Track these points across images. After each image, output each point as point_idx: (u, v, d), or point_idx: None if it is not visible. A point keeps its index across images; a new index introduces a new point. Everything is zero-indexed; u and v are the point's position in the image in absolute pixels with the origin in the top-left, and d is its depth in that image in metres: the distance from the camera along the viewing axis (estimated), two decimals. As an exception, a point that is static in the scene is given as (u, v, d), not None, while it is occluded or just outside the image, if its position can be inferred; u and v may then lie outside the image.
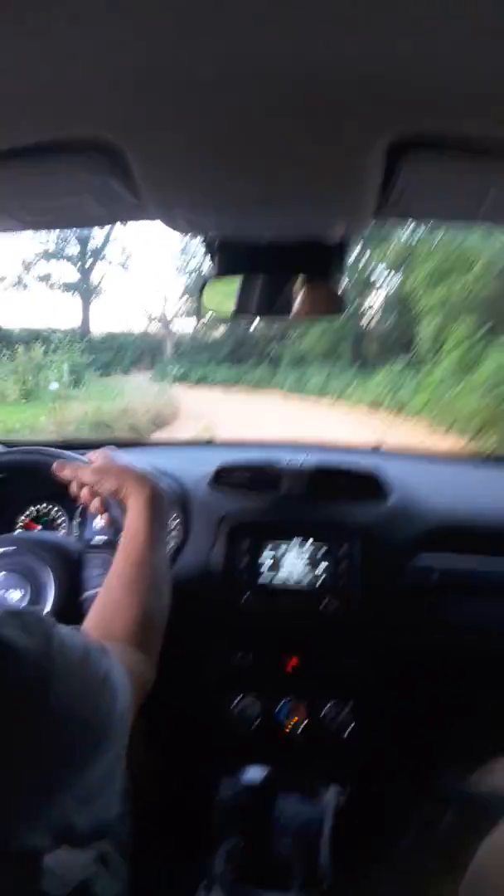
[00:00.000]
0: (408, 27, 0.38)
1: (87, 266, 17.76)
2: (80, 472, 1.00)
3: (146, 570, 0.86)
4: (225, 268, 0.88)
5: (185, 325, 17.36)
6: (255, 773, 0.96)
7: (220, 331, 16.36)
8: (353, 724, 1.19)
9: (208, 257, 0.89)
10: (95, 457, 1.02)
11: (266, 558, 1.22)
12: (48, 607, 1.05)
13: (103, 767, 0.57)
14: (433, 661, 1.21)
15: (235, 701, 1.21)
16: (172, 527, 1.29)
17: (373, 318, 14.36)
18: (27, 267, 16.88)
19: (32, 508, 1.39)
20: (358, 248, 12.71)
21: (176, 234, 0.82)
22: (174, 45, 0.41)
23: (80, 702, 0.55)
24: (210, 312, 0.97)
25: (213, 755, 1.24)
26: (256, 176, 0.61)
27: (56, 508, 1.38)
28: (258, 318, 0.98)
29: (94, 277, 17.97)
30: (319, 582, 1.20)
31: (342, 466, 1.32)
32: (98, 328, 17.41)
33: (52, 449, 1.10)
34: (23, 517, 1.38)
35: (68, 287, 17.56)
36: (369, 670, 1.20)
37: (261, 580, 1.21)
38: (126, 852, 0.87)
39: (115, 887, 0.80)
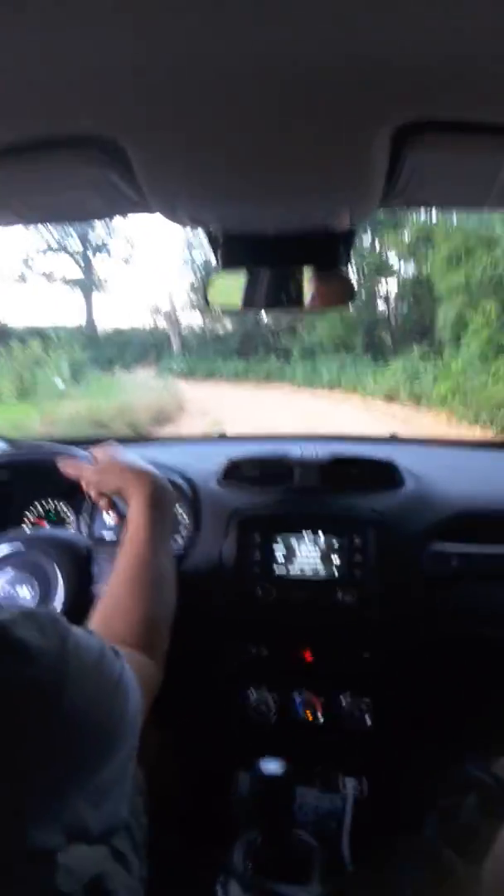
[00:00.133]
0: (410, 10, 0.39)
1: (90, 261, 17.79)
2: (83, 470, 1.03)
3: (149, 570, 0.87)
4: (230, 261, 0.89)
5: (192, 320, 17.34)
6: (272, 766, 0.98)
7: (228, 324, 16.34)
8: (370, 715, 1.22)
9: (212, 251, 0.90)
10: (98, 453, 1.05)
11: (279, 551, 1.25)
12: (58, 604, 1.08)
13: (114, 769, 0.58)
14: (452, 649, 1.23)
15: (251, 694, 1.24)
16: (183, 522, 1.32)
17: (387, 305, 14.22)
18: (28, 262, 16.94)
19: (39, 505, 1.43)
20: (370, 233, 12.61)
21: (181, 227, 0.84)
22: (174, 38, 0.41)
23: (93, 704, 0.57)
24: (217, 306, 0.99)
25: (230, 749, 1.27)
26: (259, 167, 0.63)
27: (64, 505, 1.42)
28: (266, 311, 1.00)
29: (98, 272, 17.98)
30: (334, 573, 1.23)
31: (357, 455, 1.34)
32: (103, 324, 17.41)
33: (57, 445, 1.13)
34: (30, 514, 1.42)
35: (71, 282, 17.58)
36: (386, 661, 1.22)
37: (274, 573, 1.24)
38: (141, 847, 0.89)
39: (130, 882, 0.82)
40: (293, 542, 1.25)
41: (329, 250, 0.88)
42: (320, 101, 0.49)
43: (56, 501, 1.42)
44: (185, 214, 0.76)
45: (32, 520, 1.43)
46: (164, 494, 0.97)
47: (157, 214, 0.76)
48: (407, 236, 12.02)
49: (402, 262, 13.34)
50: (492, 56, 0.43)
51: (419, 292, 12.61)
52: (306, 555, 1.24)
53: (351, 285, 0.97)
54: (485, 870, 0.72)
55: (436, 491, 1.30)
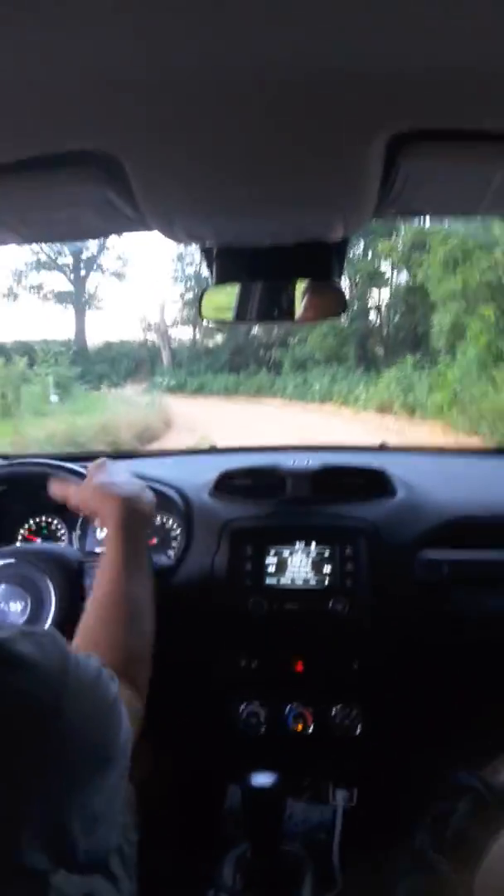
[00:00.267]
0: (406, 20, 0.40)
1: (80, 276, 17.87)
2: (69, 489, 1.06)
3: (122, 603, 0.89)
4: (224, 276, 0.92)
5: (183, 334, 17.44)
6: (262, 779, 1.00)
7: (218, 338, 16.42)
8: (360, 725, 1.24)
9: (206, 265, 0.93)
10: (90, 470, 1.07)
11: (270, 562, 1.28)
12: (49, 618, 1.10)
13: (105, 794, 0.60)
14: (444, 657, 1.26)
15: (242, 706, 1.26)
16: (175, 534, 1.35)
17: (379, 314, 14.27)
18: (18, 277, 17.02)
19: (32, 521, 1.45)
20: (362, 241, 12.64)
21: (172, 243, 0.86)
22: (171, 51, 0.42)
23: (89, 721, 0.59)
24: (209, 320, 1.02)
25: (220, 761, 1.29)
26: (256, 181, 0.65)
27: (56, 520, 1.45)
28: (258, 324, 1.03)
29: (89, 287, 18.13)
30: (326, 583, 1.26)
31: (348, 465, 1.38)
32: (94, 339, 17.47)
33: (51, 461, 1.16)
34: (23, 529, 1.45)
35: (62, 297, 17.68)
36: (379, 669, 1.25)
37: (266, 583, 1.27)
38: (131, 865, 0.90)
39: None
40: (285, 552, 1.28)
41: (323, 262, 0.90)
42: (316, 110, 0.50)
43: (49, 517, 1.45)
44: (181, 230, 0.78)
45: (24, 535, 1.45)
46: (133, 520, 0.97)
47: (153, 232, 0.78)
48: (401, 242, 11.97)
49: (394, 269, 13.37)
50: (487, 65, 0.45)
51: (412, 300, 12.60)
52: (298, 565, 1.27)
53: (343, 296, 1.01)
54: (477, 877, 0.72)
55: (427, 499, 1.34)
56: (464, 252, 9.74)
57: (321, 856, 1.11)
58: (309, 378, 13.29)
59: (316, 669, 1.27)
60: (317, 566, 1.27)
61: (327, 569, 1.26)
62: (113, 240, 16.99)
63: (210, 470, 1.41)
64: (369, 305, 14.02)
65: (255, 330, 14.02)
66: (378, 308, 14.18)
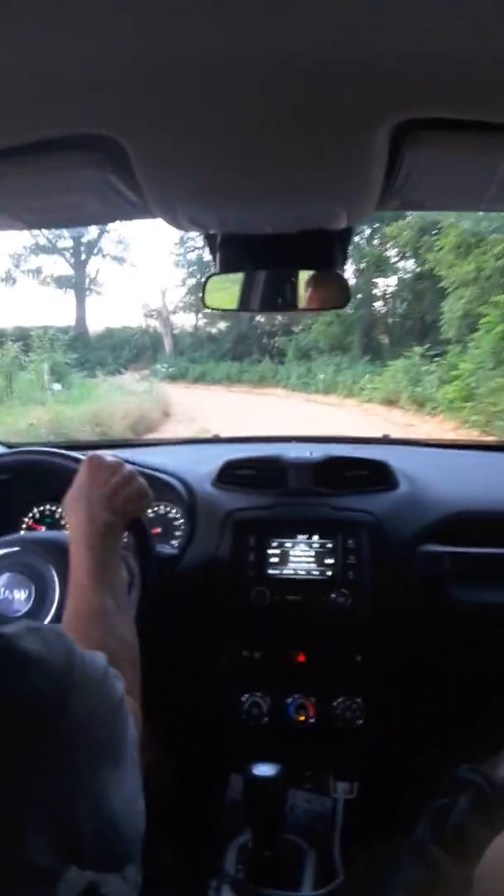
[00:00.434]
0: (409, 9, 0.41)
1: (81, 259, 17.78)
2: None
3: (96, 619, 0.88)
4: (228, 264, 0.95)
5: (185, 320, 17.40)
6: (264, 769, 1.03)
7: (221, 325, 16.38)
8: (362, 717, 1.27)
9: (209, 253, 0.96)
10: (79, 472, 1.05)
11: (273, 553, 1.31)
12: (53, 606, 1.12)
13: (119, 792, 0.60)
14: (445, 650, 1.30)
15: (244, 696, 1.29)
16: (178, 524, 1.38)
17: (386, 303, 14.17)
18: (17, 261, 16.97)
19: (36, 509, 1.48)
20: (368, 227, 12.53)
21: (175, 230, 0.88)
22: (173, 37, 0.43)
23: (96, 717, 0.59)
24: (213, 309, 1.04)
25: (222, 751, 1.33)
26: (260, 168, 0.66)
27: (60, 508, 1.47)
28: (261, 313, 1.05)
29: (90, 271, 18.05)
30: (328, 575, 1.29)
31: (350, 457, 1.40)
32: (95, 325, 17.44)
33: (54, 450, 1.18)
34: (27, 518, 1.48)
35: (62, 282, 17.61)
36: (379, 662, 1.28)
37: (268, 574, 1.30)
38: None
39: (124, 888, 0.84)
40: (287, 544, 1.31)
41: (326, 250, 0.93)
42: (321, 98, 0.52)
43: (53, 505, 1.47)
44: (184, 217, 0.79)
45: (28, 524, 1.48)
46: (100, 523, 0.94)
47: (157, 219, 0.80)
48: (409, 226, 11.72)
49: (403, 255, 13.20)
50: (490, 55, 0.46)
51: (420, 287, 12.49)
52: (300, 556, 1.30)
53: (347, 286, 1.03)
54: (477, 872, 0.74)
55: (429, 492, 1.36)
56: (473, 240, 9.54)
57: (322, 846, 1.15)
58: (313, 367, 13.22)
59: (318, 661, 1.30)
60: (319, 558, 1.30)
61: (329, 560, 1.30)
62: (114, 223, 16.89)
63: (213, 460, 1.44)
64: (375, 293, 13.94)
65: (259, 317, 13.99)
66: (384, 296, 14.10)
